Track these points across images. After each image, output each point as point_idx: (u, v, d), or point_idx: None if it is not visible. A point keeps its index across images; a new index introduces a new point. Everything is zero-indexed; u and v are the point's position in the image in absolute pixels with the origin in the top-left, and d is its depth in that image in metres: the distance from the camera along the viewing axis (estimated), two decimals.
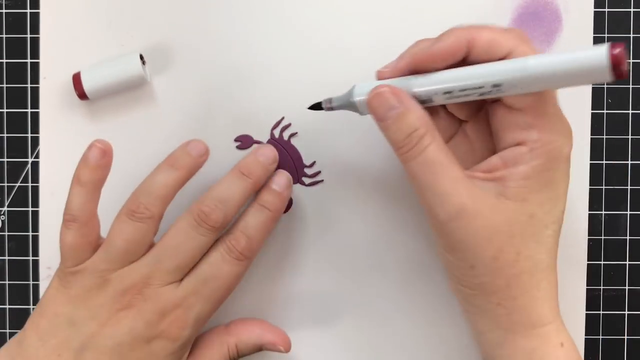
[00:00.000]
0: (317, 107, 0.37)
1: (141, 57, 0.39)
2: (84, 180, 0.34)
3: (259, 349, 0.38)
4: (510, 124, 0.32)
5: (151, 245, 0.35)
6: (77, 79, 0.39)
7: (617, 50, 0.27)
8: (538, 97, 0.31)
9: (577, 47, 0.28)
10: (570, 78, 0.29)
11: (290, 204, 0.40)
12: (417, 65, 0.32)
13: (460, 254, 0.32)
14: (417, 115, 0.31)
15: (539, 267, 0.32)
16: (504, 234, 0.31)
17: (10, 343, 0.35)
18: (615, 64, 0.27)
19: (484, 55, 0.31)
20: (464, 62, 0.32)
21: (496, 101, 0.32)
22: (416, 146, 0.31)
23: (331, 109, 0.36)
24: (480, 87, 0.30)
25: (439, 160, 0.31)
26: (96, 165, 0.34)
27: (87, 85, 0.39)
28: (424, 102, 0.32)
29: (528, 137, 0.31)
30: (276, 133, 0.40)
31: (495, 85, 0.30)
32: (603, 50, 0.27)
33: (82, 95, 0.39)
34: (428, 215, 0.33)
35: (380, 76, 0.33)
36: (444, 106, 0.35)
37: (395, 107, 0.31)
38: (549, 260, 0.33)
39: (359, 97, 0.34)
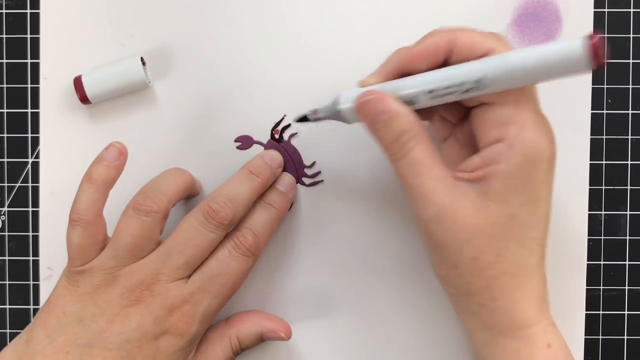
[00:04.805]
0: (304, 119, 0.37)
1: (141, 60, 0.39)
2: (95, 177, 0.35)
3: (260, 338, 0.38)
4: (491, 120, 0.32)
5: (158, 243, 0.36)
6: (78, 83, 0.39)
7: (594, 40, 0.27)
8: (519, 93, 0.31)
9: (556, 41, 0.29)
10: (551, 70, 0.29)
11: (290, 204, 0.40)
12: (400, 69, 0.33)
13: (442, 253, 0.33)
14: (406, 119, 0.32)
15: (522, 269, 0.32)
16: (484, 235, 0.31)
17: (17, 341, 0.35)
18: (594, 54, 0.27)
19: (465, 54, 0.31)
20: (446, 64, 0.32)
21: (479, 103, 0.33)
22: (403, 148, 0.32)
23: (318, 119, 0.36)
24: (462, 84, 0.31)
25: (424, 161, 0.32)
26: (111, 164, 0.35)
27: (89, 89, 0.39)
28: (409, 104, 0.33)
29: (507, 133, 0.31)
30: (276, 134, 0.40)
31: (477, 81, 0.30)
32: (581, 41, 0.28)
33: (84, 99, 0.39)
34: (414, 215, 0.33)
35: (363, 84, 0.34)
36: (437, 109, 0.35)
37: (384, 112, 0.32)
38: (533, 261, 0.33)
39: (344, 105, 0.34)
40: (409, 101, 0.32)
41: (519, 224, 0.31)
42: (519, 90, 0.31)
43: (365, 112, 0.33)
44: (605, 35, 0.40)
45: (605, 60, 0.28)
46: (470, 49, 0.31)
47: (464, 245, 0.32)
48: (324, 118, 0.36)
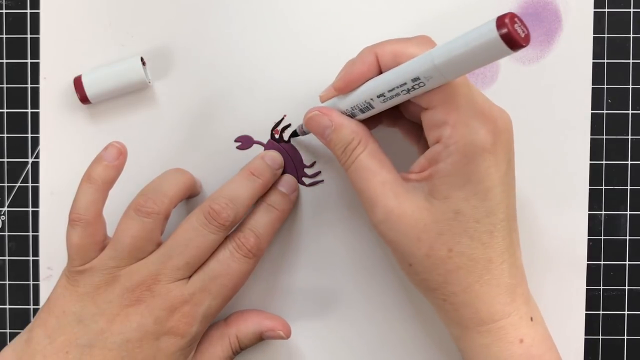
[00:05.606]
0: (295, 134, 0.40)
1: (141, 60, 0.39)
2: (95, 177, 0.35)
3: (260, 338, 0.38)
4: (430, 123, 0.32)
5: (159, 244, 0.36)
6: (78, 83, 0.39)
7: (503, 21, 0.26)
8: (448, 93, 0.31)
9: (476, 27, 0.27)
10: (475, 58, 0.28)
11: (293, 205, 0.40)
12: (347, 86, 0.34)
13: (397, 253, 0.34)
14: (349, 130, 0.34)
15: (479, 262, 0.33)
16: (432, 232, 0.32)
17: (17, 341, 0.35)
18: (505, 35, 0.26)
19: (392, 66, 0.32)
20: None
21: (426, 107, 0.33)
22: (350, 156, 0.34)
23: (304, 133, 0.38)
24: (403, 84, 0.31)
25: (369, 166, 0.34)
26: (110, 164, 0.35)
27: (89, 89, 0.39)
28: (366, 111, 0.34)
29: (442, 134, 0.32)
30: (276, 134, 0.40)
31: (415, 80, 0.31)
32: (493, 23, 0.27)
33: (84, 99, 0.39)
34: (369, 219, 0.34)
35: (322, 100, 0.36)
36: (401, 115, 0.36)
37: (328, 125, 0.35)
38: (492, 253, 0.33)
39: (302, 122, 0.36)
40: (364, 108, 0.34)
41: (465, 218, 0.32)
42: (449, 91, 0.31)
43: (313, 127, 0.35)
44: (605, 35, 0.40)
45: (523, 36, 0.26)
46: (395, 61, 0.32)
47: (415, 243, 0.33)
48: (309, 132, 0.37)
